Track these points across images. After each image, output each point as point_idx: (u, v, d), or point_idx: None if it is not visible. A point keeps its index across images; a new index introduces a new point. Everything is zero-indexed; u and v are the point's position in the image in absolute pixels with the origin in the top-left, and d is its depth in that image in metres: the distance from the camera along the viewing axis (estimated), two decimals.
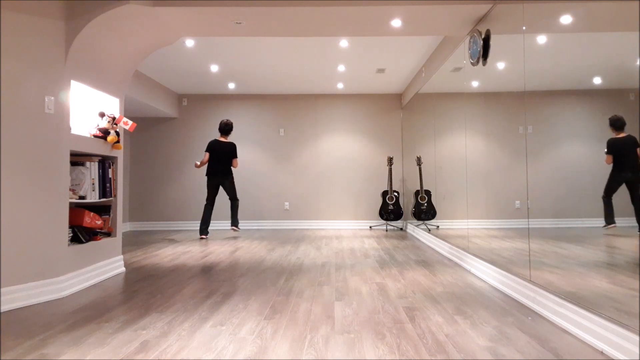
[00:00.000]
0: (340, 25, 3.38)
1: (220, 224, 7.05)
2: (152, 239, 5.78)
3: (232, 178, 5.71)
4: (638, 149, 1.94)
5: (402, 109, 7.04)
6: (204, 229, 5.62)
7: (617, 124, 1.97)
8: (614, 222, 1.99)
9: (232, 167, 5.72)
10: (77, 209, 3.13)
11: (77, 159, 3.13)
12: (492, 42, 3.04)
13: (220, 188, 6.23)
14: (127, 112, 6.59)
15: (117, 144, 3.39)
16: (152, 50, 3.62)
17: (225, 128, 5.72)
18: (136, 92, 5.60)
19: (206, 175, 5.70)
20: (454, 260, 3.89)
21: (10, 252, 2.52)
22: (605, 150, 2.00)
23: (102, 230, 3.34)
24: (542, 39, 2.33)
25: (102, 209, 3.40)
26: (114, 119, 3.34)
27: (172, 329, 2.10)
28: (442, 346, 1.85)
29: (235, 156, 5.69)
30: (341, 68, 5.66)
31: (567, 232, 2.16)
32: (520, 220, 2.65)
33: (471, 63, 3.39)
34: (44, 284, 2.66)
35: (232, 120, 5.84)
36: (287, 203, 7.07)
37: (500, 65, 2.91)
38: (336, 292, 2.79)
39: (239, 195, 7.09)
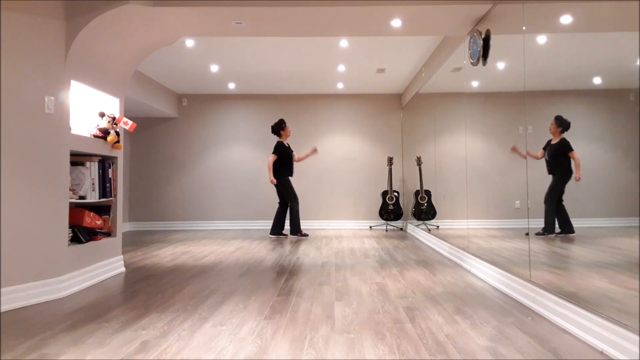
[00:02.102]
0: (340, 25, 3.38)
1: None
2: (152, 239, 5.78)
3: (281, 179, 5.59)
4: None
5: (402, 109, 7.04)
6: (272, 228, 5.76)
7: (569, 126, 2.00)
8: (573, 230, 2.02)
9: (280, 167, 5.60)
10: (77, 209, 3.13)
11: (77, 159, 3.12)
12: (492, 42, 3.04)
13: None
14: (127, 112, 6.59)
15: (117, 144, 3.39)
16: (152, 50, 3.62)
17: (272, 130, 5.78)
18: (136, 92, 5.60)
19: None
20: (454, 260, 3.89)
21: (10, 252, 2.52)
22: (570, 149, 2.03)
23: (102, 230, 3.34)
24: (542, 39, 2.33)
25: (102, 209, 3.40)
26: (114, 119, 3.34)
27: (172, 329, 2.10)
28: (442, 346, 1.85)
29: (273, 152, 5.61)
30: (341, 68, 5.66)
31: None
32: (520, 220, 2.65)
33: (471, 63, 3.39)
34: (44, 284, 2.66)
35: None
36: None
37: (500, 65, 2.91)
38: (336, 292, 2.79)
39: (232, 195, 7.08)
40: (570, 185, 2.09)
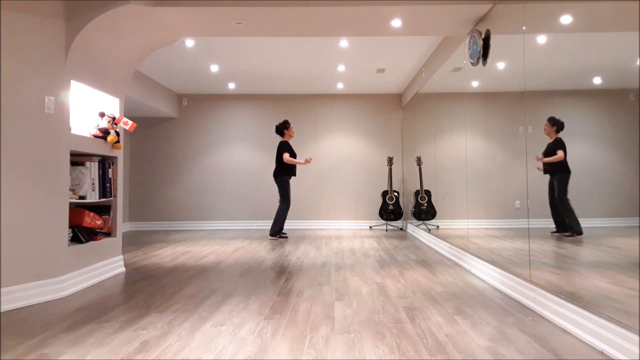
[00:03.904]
0: (340, 25, 3.38)
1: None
2: (152, 239, 5.78)
3: (282, 178, 5.52)
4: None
5: (402, 109, 7.04)
6: (274, 230, 5.59)
7: (563, 125, 2.01)
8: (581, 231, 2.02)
9: (282, 167, 5.52)
10: (77, 209, 3.13)
11: (77, 159, 3.12)
12: (492, 42, 3.04)
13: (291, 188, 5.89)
14: (127, 112, 6.59)
15: (117, 144, 3.39)
16: (152, 50, 3.62)
17: (276, 130, 5.75)
18: (136, 92, 5.60)
19: None
20: (454, 260, 3.89)
21: (10, 252, 2.52)
22: (561, 149, 2.03)
23: (102, 230, 3.34)
24: (542, 39, 2.33)
25: (102, 209, 3.40)
26: (114, 119, 3.34)
27: (172, 329, 2.10)
28: (442, 346, 1.85)
29: (283, 151, 5.52)
30: (341, 68, 5.66)
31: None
32: (520, 220, 2.65)
33: (471, 63, 3.39)
34: (44, 284, 2.66)
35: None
36: None
37: (500, 65, 2.91)
38: (336, 292, 2.79)
39: (232, 195, 7.08)
40: (570, 185, 2.09)
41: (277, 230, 5.55)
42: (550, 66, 2.25)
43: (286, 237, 5.75)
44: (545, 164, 2.27)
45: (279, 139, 7.11)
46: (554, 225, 2.27)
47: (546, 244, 2.35)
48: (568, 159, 2.09)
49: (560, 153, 2.06)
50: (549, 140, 2.22)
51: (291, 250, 4.60)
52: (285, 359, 1.73)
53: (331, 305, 2.49)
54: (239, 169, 7.12)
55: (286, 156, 5.49)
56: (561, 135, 2.14)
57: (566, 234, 2.16)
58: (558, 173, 2.16)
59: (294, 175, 5.63)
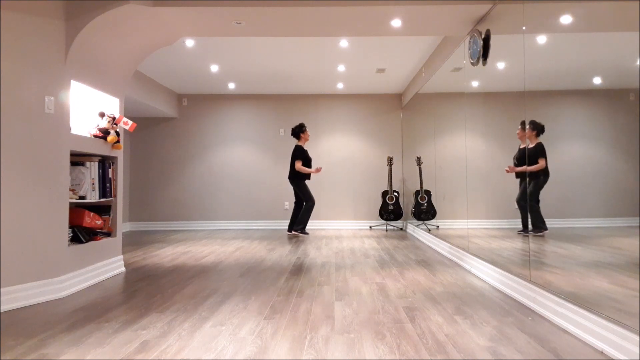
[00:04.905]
0: (340, 25, 3.38)
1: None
2: (152, 239, 5.78)
3: (299, 181, 5.73)
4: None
5: (402, 109, 7.04)
6: (290, 226, 5.94)
7: (544, 129, 2.01)
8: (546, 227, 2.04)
9: (297, 170, 5.73)
10: (77, 209, 3.13)
11: (77, 159, 3.12)
12: (492, 42, 3.04)
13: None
14: (127, 112, 6.59)
15: (117, 144, 3.39)
16: (152, 50, 3.62)
17: (292, 132, 5.90)
18: (136, 92, 5.60)
19: None
20: (454, 260, 3.89)
21: (10, 252, 2.52)
22: (543, 157, 2.03)
23: (102, 230, 3.34)
24: (542, 39, 2.33)
25: (102, 209, 3.40)
26: (114, 119, 3.34)
27: (172, 329, 2.10)
28: (442, 346, 1.85)
29: (296, 158, 5.71)
30: (341, 68, 5.66)
31: (567, 232, 2.16)
32: (520, 220, 2.65)
33: (471, 63, 3.39)
34: (44, 284, 2.66)
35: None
36: (287, 203, 7.07)
37: (500, 65, 2.91)
38: (336, 292, 2.79)
39: (232, 196, 7.08)
40: (570, 185, 2.09)
41: (302, 228, 5.82)
42: (550, 66, 2.25)
43: (307, 234, 6.04)
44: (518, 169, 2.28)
45: (277, 138, 7.12)
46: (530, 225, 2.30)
47: (546, 244, 2.35)
48: (568, 160, 2.10)
49: (542, 162, 2.06)
50: (529, 143, 2.22)
51: (291, 250, 4.60)
52: (285, 359, 1.73)
53: (331, 305, 2.49)
54: (238, 169, 7.12)
55: (298, 165, 5.68)
56: (559, 135, 2.14)
57: (532, 231, 2.18)
58: (538, 176, 2.16)
59: (309, 178, 5.86)
